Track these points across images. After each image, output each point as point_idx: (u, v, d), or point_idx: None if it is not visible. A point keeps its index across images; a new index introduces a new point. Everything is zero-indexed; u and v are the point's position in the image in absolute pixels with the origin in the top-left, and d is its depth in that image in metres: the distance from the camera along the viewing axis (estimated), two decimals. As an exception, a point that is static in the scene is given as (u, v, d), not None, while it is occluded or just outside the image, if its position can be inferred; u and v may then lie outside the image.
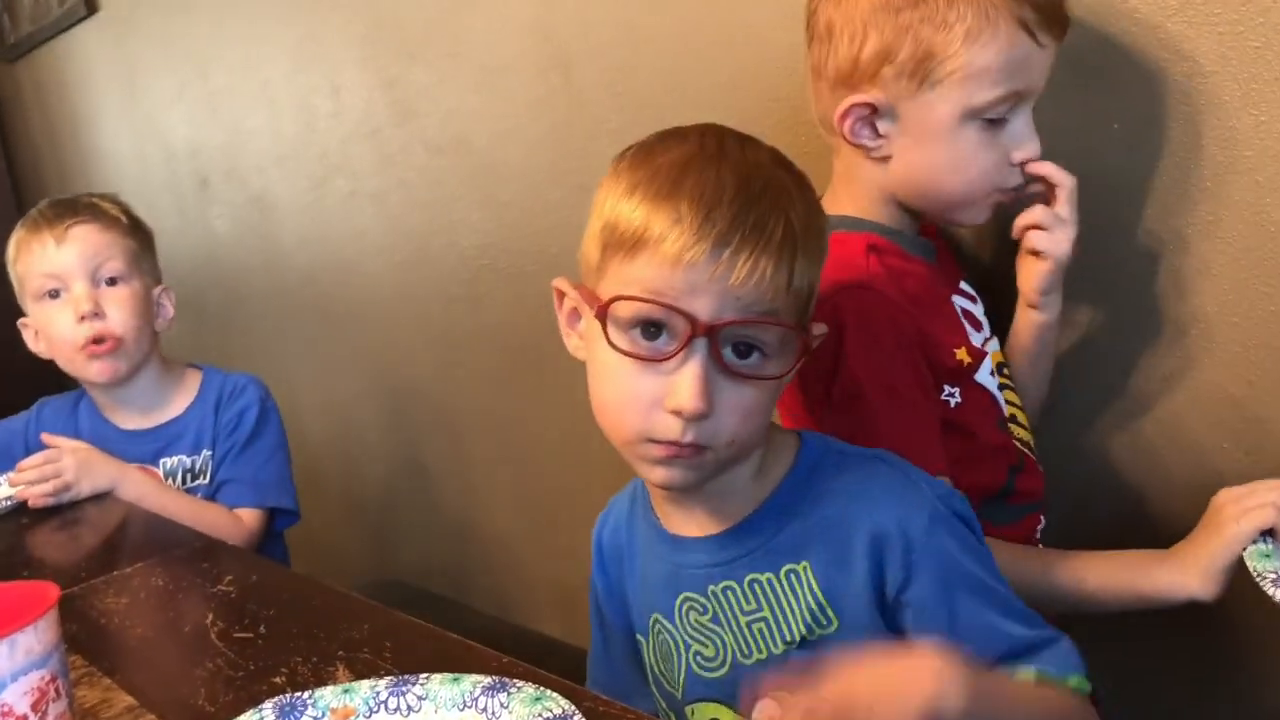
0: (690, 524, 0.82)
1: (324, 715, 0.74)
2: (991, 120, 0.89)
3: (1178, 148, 0.95)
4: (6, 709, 0.67)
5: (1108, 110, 0.98)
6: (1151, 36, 0.94)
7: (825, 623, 0.77)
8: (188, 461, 1.47)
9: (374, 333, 2.03)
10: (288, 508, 1.49)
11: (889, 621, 0.76)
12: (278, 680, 0.82)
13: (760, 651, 0.79)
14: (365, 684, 0.76)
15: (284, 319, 2.28)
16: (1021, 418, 1.02)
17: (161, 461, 1.47)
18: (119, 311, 1.41)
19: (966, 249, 1.13)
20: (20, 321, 1.47)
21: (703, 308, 0.70)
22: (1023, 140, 0.91)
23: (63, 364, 1.45)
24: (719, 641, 0.81)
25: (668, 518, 0.84)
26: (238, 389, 1.51)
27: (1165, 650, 1.08)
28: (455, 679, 0.74)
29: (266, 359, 2.31)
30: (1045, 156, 0.92)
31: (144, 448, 1.47)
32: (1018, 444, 0.99)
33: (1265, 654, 1.03)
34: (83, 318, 1.39)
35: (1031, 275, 0.96)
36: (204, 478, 1.47)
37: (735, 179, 0.71)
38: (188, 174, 2.44)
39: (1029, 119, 0.91)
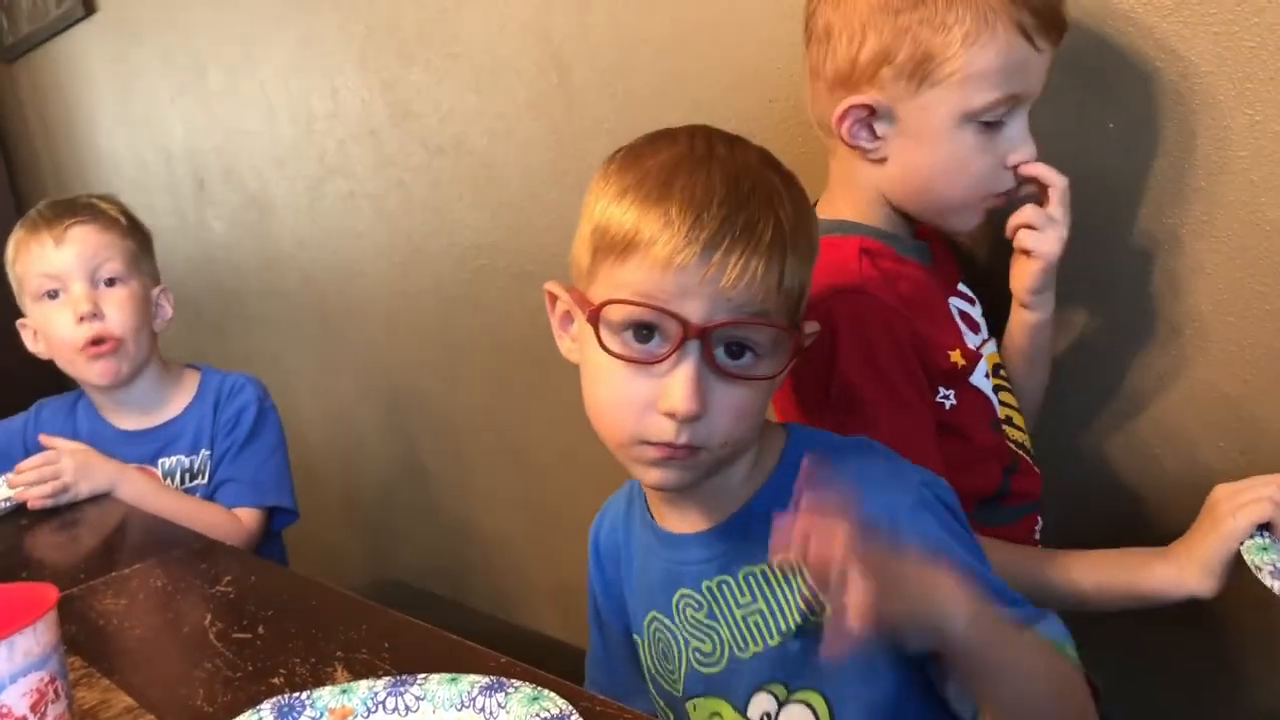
0: (685, 521, 0.83)
1: (322, 715, 0.74)
2: (988, 123, 0.89)
3: (1172, 147, 0.95)
4: (6, 710, 0.67)
5: (1103, 110, 0.99)
6: (1147, 37, 0.94)
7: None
8: (186, 462, 1.48)
9: (372, 332, 2.03)
10: (286, 507, 1.49)
11: None
12: (276, 680, 0.83)
13: (756, 644, 0.80)
14: (363, 684, 0.76)
15: (282, 319, 2.28)
16: (1017, 419, 1.02)
17: (160, 462, 1.47)
18: (118, 312, 1.42)
19: (965, 250, 1.14)
20: (19, 322, 1.47)
21: (694, 310, 0.70)
22: (1018, 144, 0.91)
23: (62, 365, 1.45)
24: (716, 637, 0.82)
25: (663, 516, 0.85)
26: (236, 389, 1.51)
27: (1162, 648, 1.08)
28: (453, 679, 0.75)
29: (265, 359, 2.31)
30: (1040, 157, 0.92)
31: (142, 448, 1.47)
32: (1011, 445, 0.99)
33: (1262, 653, 1.03)
34: (82, 318, 1.39)
35: (1023, 275, 0.97)
36: (202, 478, 1.47)
37: (724, 181, 0.71)
38: (186, 175, 2.44)
39: (1025, 123, 0.91)
